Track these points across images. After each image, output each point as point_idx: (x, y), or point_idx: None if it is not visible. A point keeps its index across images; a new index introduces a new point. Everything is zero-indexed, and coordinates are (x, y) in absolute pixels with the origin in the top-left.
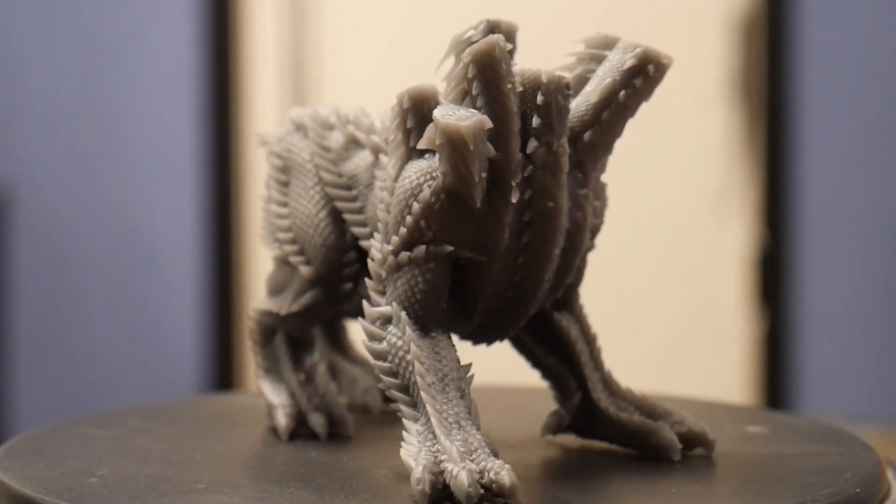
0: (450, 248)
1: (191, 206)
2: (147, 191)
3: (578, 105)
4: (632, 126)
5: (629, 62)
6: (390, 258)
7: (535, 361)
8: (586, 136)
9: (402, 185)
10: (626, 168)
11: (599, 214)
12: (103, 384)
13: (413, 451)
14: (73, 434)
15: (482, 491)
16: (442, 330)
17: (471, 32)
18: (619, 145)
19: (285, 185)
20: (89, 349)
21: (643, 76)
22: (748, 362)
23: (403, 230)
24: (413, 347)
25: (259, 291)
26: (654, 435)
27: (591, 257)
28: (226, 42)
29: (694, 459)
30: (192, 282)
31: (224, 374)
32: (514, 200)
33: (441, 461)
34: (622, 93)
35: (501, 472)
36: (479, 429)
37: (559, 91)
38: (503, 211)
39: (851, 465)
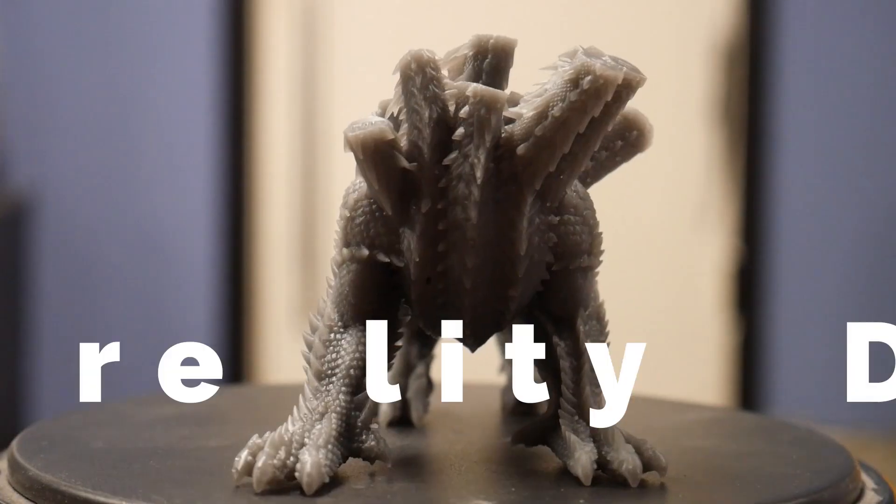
0: (366, 252)
1: (208, 214)
2: (165, 199)
3: (523, 118)
4: None
5: (566, 74)
6: (333, 259)
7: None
8: (519, 149)
9: (345, 191)
10: (610, 184)
11: (561, 231)
12: (123, 386)
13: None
14: (152, 406)
15: (281, 477)
16: (363, 327)
17: (461, 48)
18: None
19: None
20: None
21: (578, 90)
22: (725, 368)
23: (337, 233)
24: (316, 342)
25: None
26: (571, 457)
27: None
28: (241, 57)
29: (671, 475)
30: (210, 287)
31: (235, 375)
32: (424, 210)
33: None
34: (557, 106)
35: (306, 466)
36: (349, 425)
37: (483, 104)
38: (416, 219)
39: (825, 465)
